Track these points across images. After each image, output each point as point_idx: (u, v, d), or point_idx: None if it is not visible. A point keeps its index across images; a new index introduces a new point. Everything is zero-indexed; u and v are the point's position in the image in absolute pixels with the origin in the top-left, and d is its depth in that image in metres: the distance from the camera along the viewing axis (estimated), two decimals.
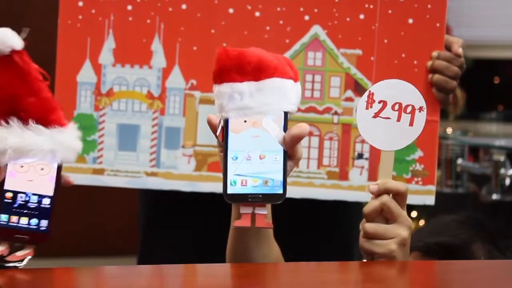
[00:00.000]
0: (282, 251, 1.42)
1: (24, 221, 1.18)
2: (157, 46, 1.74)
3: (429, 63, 1.71)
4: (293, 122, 1.25)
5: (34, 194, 1.19)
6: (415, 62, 1.72)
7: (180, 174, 1.74)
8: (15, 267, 1.17)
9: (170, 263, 1.26)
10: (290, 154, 1.23)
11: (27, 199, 1.18)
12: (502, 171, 3.18)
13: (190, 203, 1.80)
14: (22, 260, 1.18)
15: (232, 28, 1.73)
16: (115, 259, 4.06)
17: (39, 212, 1.18)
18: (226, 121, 1.22)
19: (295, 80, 1.26)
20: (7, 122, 1.19)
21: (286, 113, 1.23)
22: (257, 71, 1.22)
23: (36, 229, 1.18)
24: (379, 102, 1.29)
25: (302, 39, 1.73)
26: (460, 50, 1.70)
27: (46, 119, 1.20)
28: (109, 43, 1.75)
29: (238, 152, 1.22)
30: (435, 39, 1.72)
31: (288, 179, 1.23)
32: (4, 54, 1.19)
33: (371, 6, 1.72)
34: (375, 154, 1.72)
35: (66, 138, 1.21)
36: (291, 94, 1.24)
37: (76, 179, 1.74)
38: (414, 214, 3.20)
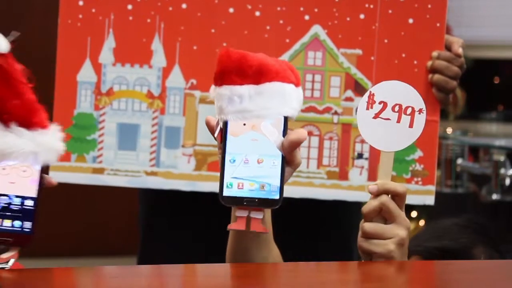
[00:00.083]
0: (282, 251, 1.41)
1: (7, 223, 1.18)
2: (157, 45, 1.74)
3: (429, 63, 1.71)
4: (292, 122, 1.24)
5: (16, 196, 1.18)
6: (415, 62, 1.72)
7: (180, 173, 1.74)
8: (2, 268, 1.17)
9: (170, 263, 1.26)
10: (288, 160, 1.22)
11: (10, 201, 1.18)
12: (502, 171, 3.18)
13: (190, 203, 1.80)
14: (7, 262, 1.18)
15: (232, 28, 1.73)
16: (115, 259, 4.06)
17: (22, 214, 1.18)
18: (225, 124, 1.22)
19: (297, 85, 1.25)
20: None
21: (286, 118, 1.22)
22: (257, 75, 1.22)
23: (20, 231, 1.18)
24: (380, 103, 1.29)
25: (302, 38, 1.73)
26: (460, 50, 1.70)
27: (29, 122, 1.20)
28: (109, 43, 1.75)
29: (236, 155, 1.21)
30: (435, 39, 1.72)
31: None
32: None
33: (371, 6, 1.72)
34: (375, 154, 1.72)
35: (48, 140, 1.21)
36: (292, 99, 1.23)
37: (76, 178, 1.76)
38: (414, 214, 3.20)
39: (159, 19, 1.74)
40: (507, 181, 3.18)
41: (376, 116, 1.29)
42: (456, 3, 4.18)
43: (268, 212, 1.33)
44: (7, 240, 1.18)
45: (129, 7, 1.74)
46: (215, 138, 1.25)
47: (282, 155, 1.21)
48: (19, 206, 1.18)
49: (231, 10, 1.73)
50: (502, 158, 3.18)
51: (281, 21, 1.73)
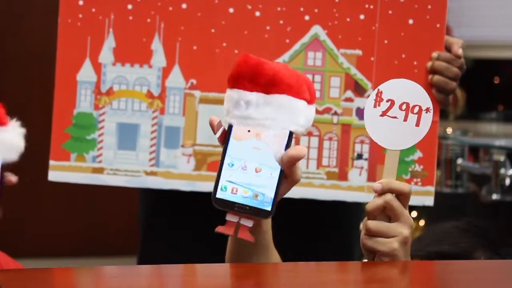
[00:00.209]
0: (282, 251, 1.41)
1: None
2: (157, 45, 1.75)
3: (429, 64, 1.71)
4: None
5: None
6: (415, 62, 1.72)
7: (179, 173, 1.74)
8: None
9: (170, 263, 1.26)
10: (286, 174, 1.22)
11: None
12: (502, 171, 3.18)
13: (190, 203, 1.80)
14: None
15: (232, 28, 1.73)
16: (115, 259, 4.06)
17: None
18: (230, 126, 1.22)
19: (310, 102, 1.23)
20: None
21: (291, 133, 1.21)
22: (269, 84, 1.21)
23: None
24: (387, 101, 1.29)
25: (302, 39, 1.73)
26: (460, 51, 1.70)
27: None
28: (109, 42, 1.75)
29: (235, 160, 1.21)
30: (435, 39, 1.72)
31: None
32: None
33: (371, 7, 1.72)
34: (374, 154, 1.72)
35: (7, 137, 1.19)
36: (300, 115, 1.22)
37: (76, 178, 1.76)
38: (414, 214, 3.19)
39: (159, 19, 1.74)
40: (507, 181, 3.18)
41: (384, 114, 1.29)
42: (456, 4, 4.18)
43: (268, 220, 1.33)
44: None
45: (129, 6, 1.74)
46: (218, 139, 1.25)
47: (280, 168, 1.21)
48: None
49: (231, 10, 1.73)
50: (502, 158, 3.18)
51: (281, 21, 1.73)
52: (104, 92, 1.76)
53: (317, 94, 1.73)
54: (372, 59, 1.73)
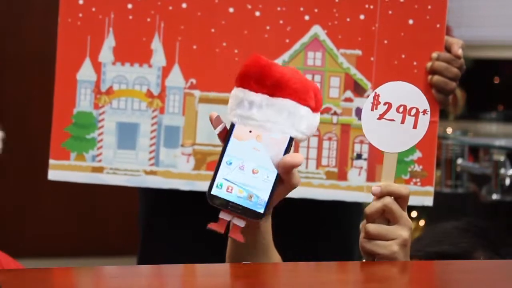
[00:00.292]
0: (282, 252, 1.41)
1: None
2: (157, 44, 1.75)
3: (429, 64, 1.71)
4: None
5: None
6: (415, 63, 1.72)
7: (179, 173, 1.74)
8: None
9: (170, 263, 1.26)
10: (283, 179, 1.22)
11: None
12: (502, 171, 3.18)
13: (190, 203, 1.80)
14: None
15: (232, 28, 1.73)
16: (115, 259, 4.06)
17: None
18: (232, 124, 1.22)
19: (314, 109, 1.23)
20: None
21: (291, 138, 1.21)
22: (274, 87, 1.21)
23: None
24: (385, 103, 1.29)
25: (302, 39, 1.73)
26: (459, 51, 1.70)
27: None
28: (109, 42, 1.75)
29: (234, 158, 1.21)
30: (435, 40, 1.72)
31: None
32: None
33: (371, 7, 1.72)
34: (373, 154, 1.72)
35: None
36: (302, 121, 1.22)
37: (75, 177, 1.76)
38: (414, 214, 3.20)
39: (159, 18, 1.74)
40: (507, 181, 3.18)
41: (381, 117, 1.29)
42: (456, 4, 4.18)
43: (268, 221, 1.33)
44: None
45: (129, 6, 1.74)
46: (217, 135, 1.25)
47: (277, 172, 1.21)
48: None
49: (231, 10, 1.73)
50: (502, 158, 3.18)
51: (281, 21, 1.73)
52: (104, 92, 1.76)
53: None
54: (372, 59, 1.73)
